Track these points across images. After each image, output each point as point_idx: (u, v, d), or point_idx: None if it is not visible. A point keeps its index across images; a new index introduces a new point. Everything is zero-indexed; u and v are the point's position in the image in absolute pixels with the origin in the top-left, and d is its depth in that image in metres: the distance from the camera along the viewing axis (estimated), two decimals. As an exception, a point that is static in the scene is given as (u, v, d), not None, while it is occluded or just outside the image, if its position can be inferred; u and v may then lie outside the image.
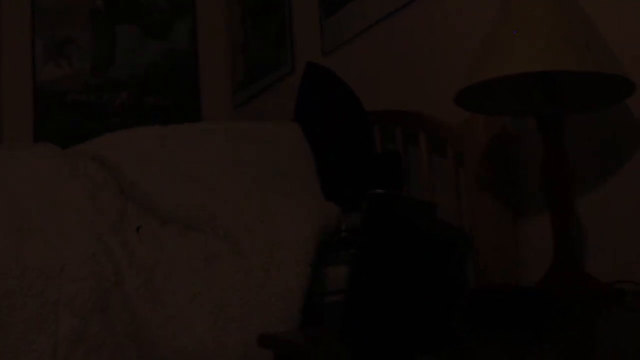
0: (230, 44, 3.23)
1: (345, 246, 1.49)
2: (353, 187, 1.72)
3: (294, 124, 1.81)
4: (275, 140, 1.70)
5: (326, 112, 1.80)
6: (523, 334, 0.86)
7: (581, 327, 0.89)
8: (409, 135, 1.91)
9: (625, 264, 1.35)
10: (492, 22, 1.29)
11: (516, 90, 1.42)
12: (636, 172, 1.34)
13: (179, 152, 1.58)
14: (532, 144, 1.56)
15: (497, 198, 1.56)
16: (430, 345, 0.80)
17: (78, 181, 1.45)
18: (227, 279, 1.29)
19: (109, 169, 1.53)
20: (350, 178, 1.73)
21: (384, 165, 1.77)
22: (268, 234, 1.34)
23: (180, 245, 1.36)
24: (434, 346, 0.80)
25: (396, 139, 1.89)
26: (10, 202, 1.34)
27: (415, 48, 1.95)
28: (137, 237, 1.34)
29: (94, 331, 1.17)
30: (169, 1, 3.18)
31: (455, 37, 1.80)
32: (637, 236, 1.33)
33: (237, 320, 1.25)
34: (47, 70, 2.91)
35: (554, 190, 1.24)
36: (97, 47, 3.00)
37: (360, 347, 0.80)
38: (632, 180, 1.34)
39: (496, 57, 1.20)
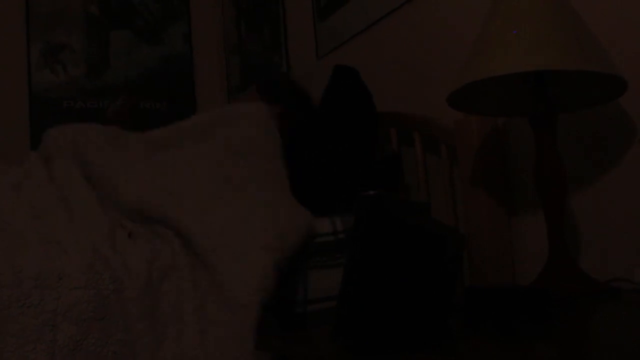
0: (225, 47, 3.23)
1: (341, 249, 1.49)
2: (354, 188, 1.71)
3: (257, 106, 1.76)
4: (230, 136, 1.66)
5: (342, 112, 1.78)
6: (518, 332, 0.86)
7: (578, 326, 0.89)
8: (403, 135, 1.92)
9: (618, 261, 1.35)
10: (482, 23, 1.30)
11: (508, 90, 1.43)
12: (628, 168, 1.34)
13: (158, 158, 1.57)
14: (525, 143, 1.57)
15: (491, 197, 1.56)
16: (424, 342, 0.81)
17: (66, 188, 1.44)
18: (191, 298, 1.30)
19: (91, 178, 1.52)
20: (351, 179, 1.73)
21: (385, 168, 1.77)
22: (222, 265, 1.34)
23: (167, 249, 1.36)
24: (428, 343, 0.81)
25: (391, 139, 1.90)
26: (3, 212, 1.33)
27: (409, 49, 1.96)
28: (128, 242, 1.34)
29: (92, 339, 1.17)
30: (162, 5, 3.19)
31: (448, 38, 1.81)
32: (629, 233, 1.34)
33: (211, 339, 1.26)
34: (42, 77, 2.91)
35: (546, 188, 1.24)
36: (91, 52, 3.00)
37: (354, 345, 0.81)
38: (625, 177, 1.35)
39: (485, 58, 1.21)
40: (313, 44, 2.46)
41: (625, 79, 1.21)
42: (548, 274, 1.24)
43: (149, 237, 1.37)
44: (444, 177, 1.72)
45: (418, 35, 1.92)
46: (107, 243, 1.30)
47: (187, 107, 3.18)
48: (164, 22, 3.18)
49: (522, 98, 1.43)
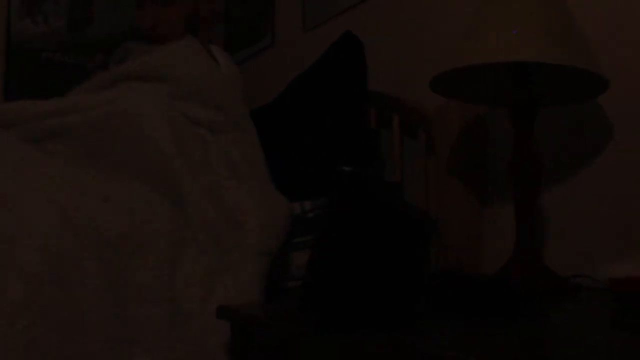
0: (212, 13, 3.18)
1: (310, 228, 1.48)
2: (329, 165, 1.70)
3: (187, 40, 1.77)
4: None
5: (327, 81, 1.76)
6: (480, 318, 0.87)
7: (534, 318, 0.91)
8: (382, 116, 1.91)
9: (585, 258, 1.37)
10: (475, 10, 1.29)
11: (492, 79, 1.43)
12: (602, 167, 1.36)
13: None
14: (504, 134, 1.58)
15: (465, 185, 1.57)
16: (390, 322, 0.81)
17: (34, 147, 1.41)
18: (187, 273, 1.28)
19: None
20: (327, 156, 1.71)
21: (363, 143, 1.75)
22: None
23: (150, 212, 1.32)
24: (393, 323, 0.81)
25: (370, 119, 1.89)
26: None
27: (397, 29, 1.95)
28: (103, 207, 1.30)
29: (42, 300, 1.14)
30: (151, -36, 3.13)
31: (438, 21, 1.80)
32: (597, 231, 1.35)
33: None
34: (23, 27, 2.85)
35: (520, 181, 1.25)
36: (74, 4, 2.94)
37: (320, 319, 0.81)
38: (598, 175, 1.36)
39: (471, 46, 1.21)
40: (300, 16, 2.44)
41: (607, 78, 1.22)
42: (511, 266, 1.25)
43: (130, 199, 1.32)
44: (419, 161, 1.72)
45: (408, 15, 1.91)
46: (76, 204, 1.26)
47: (168, 70, 3.13)
48: (152, -19, 3.12)
49: (505, 89, 1.43)
